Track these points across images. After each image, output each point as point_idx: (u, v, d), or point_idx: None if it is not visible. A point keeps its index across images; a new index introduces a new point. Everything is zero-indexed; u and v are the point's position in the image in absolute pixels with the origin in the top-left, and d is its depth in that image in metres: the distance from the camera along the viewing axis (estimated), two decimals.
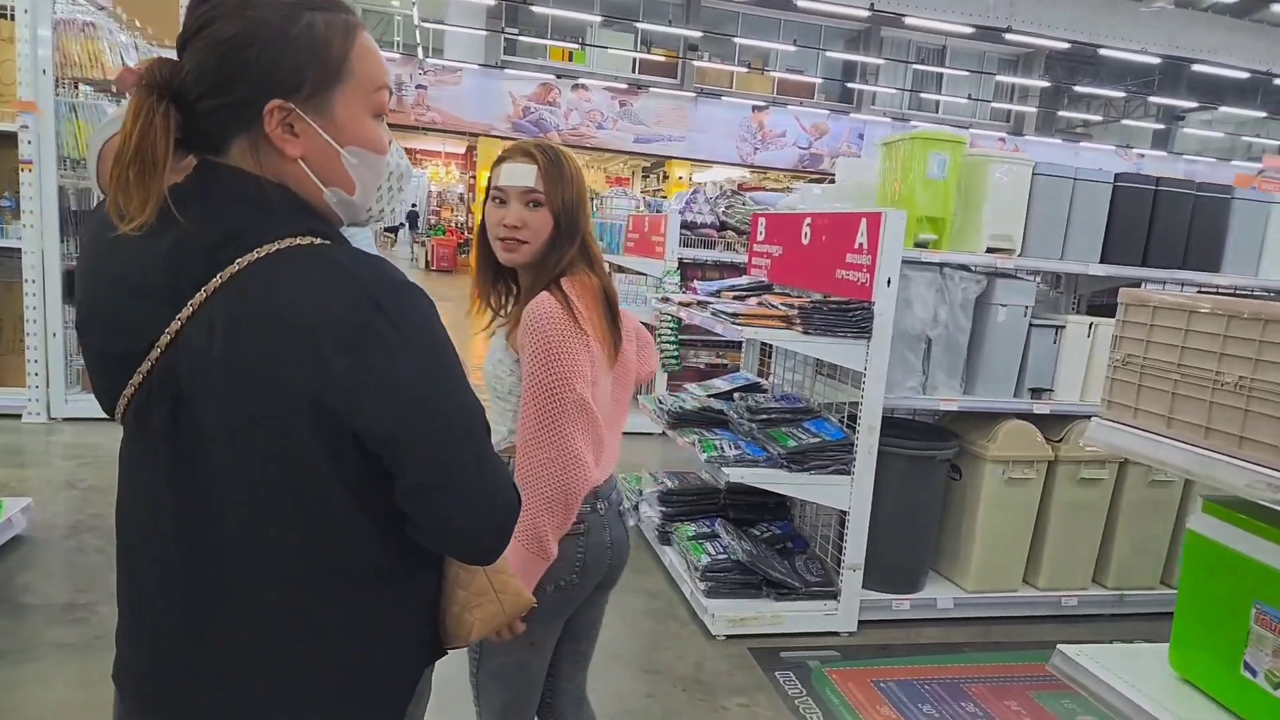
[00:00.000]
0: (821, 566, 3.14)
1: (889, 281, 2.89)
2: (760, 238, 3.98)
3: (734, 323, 2.99)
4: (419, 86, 17.17)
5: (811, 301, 3.03)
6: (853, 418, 3.03)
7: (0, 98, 4.78)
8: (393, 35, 18.79)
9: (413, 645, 0.97)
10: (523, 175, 1.47)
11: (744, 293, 3.68)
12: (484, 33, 17.65)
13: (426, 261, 19.61)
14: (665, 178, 19.43)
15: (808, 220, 3.45)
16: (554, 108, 17.92)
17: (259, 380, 0.78)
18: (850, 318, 2.90)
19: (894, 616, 3.13)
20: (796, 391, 3.61)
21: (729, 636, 2.94)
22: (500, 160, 1.51)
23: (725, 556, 3.05)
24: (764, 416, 3.17)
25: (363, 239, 1.14)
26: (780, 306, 3.11)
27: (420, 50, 17.10)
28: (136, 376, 0.83)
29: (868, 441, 2.94)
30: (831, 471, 2.94)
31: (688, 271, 5.83)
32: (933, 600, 3.16)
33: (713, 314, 3.20)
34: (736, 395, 3.50)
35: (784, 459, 2.92)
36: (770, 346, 3.71)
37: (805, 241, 3.46)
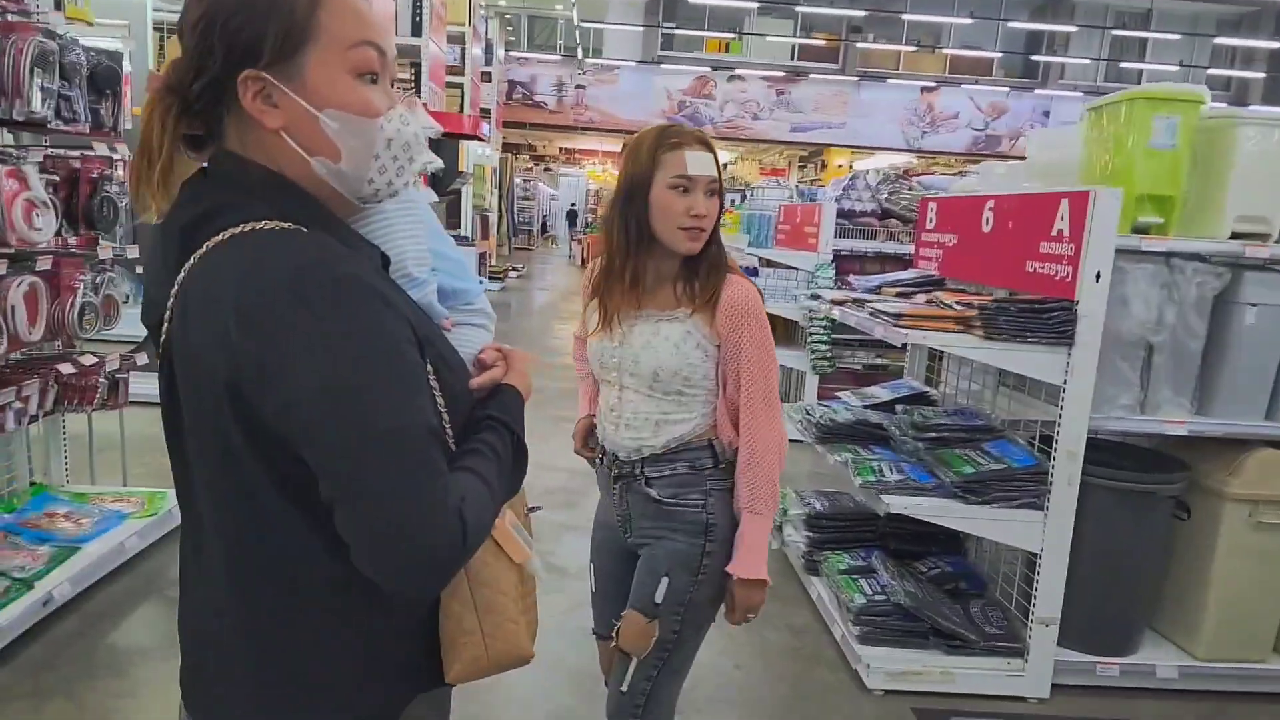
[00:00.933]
0: (1003, 616, 2.63)
1: (1098, 276, 2.34)
2: (930, 225, 3.47)
3: (897, 324, 2.55)
4: (578, 87, 17.48)
5: (996, 300, 2.53)
6: (1045, 439, 2.51)
7: None
8: (555, 38, 19.22)
9: (388, 669, 0.89)
10: (707, 165, 1.48)
11: (910, 288, 3.21)
12: (641, 29, 17.66)
13: (583, 259, 19.91)
14: (823, 166, 18.62)
15: (990, 204, 2.92)
16: (709, 100, 17.67)
17: (193, 362, 0.79)
18: (1046, 320, 2.38)
19: (1099, 683, 2.56)
20: (973, 405, 3.09)
21: (887, 692, 2.51)
22: (676, 145, 1.47)
23: (884, 598, 2.62)
24: (933, 435, 2.70)
25: (400, 219, 0.98)
26: (955, 305, 2.63)
27: (580, 51, 17.33)
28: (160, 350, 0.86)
29: (1067, 470, 2.41)
30: (1019, 505, 2.43)
31: (843, 265, 5.34)
32: (1151, 667, 2.56)
33: (871, 314, 2.77)
34: (899, 407, 3.04)
35: (958, 488, 2.45)
36: (941, 350, 3.21)
37: (986, 229, 2.94)
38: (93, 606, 2.75)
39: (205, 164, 0.87)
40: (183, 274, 0.81)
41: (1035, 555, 2.47)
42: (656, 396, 1.53)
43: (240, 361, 0.74)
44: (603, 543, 1.72)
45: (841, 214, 5.34)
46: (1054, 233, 2.48)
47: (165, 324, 0.83)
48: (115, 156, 3.02)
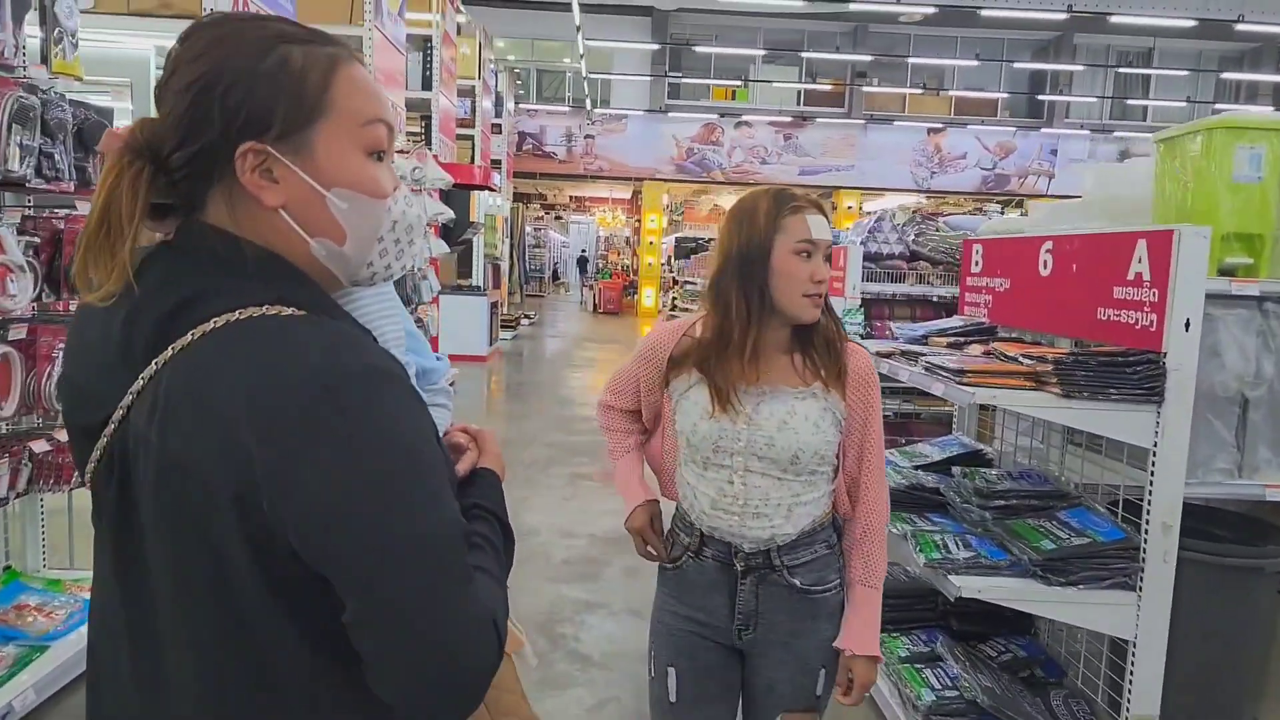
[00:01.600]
0: (1090, 710, 2.31)
1: (1188, 324, 2.09)
2: (976, 269, 3.22)
3: (960, 382, 2.28)
4: (587, 136, 17.59)
5: (1072, 353, 2.27)
6: (1129, 505, 2.22)
7: None
8: (564, 90, 19.42)
9: None
10: (826, 229, 1.43)
11: (960, 338, 2.95)
12: (648, 79, 17.82)
13: (594, 305, 19.82)
14: (833, 208, 18.57)
15: (1047, 245, 2.68)
16: (717, 147, 17.73)
17: (180, 468, 0.69)
18: (1131, 374, 2.12)
19: None
20: (1037, 464, 2.80)
21: None
22: (797, 209, 1.42)
23: (956, 694, 2.31)
24: (1000, 502, 2.41)
25: (376, 300, 0.93)
26: (1021, 359, 2.37)
27: (589, 102, 17.48)
28: (96, 451, 0.76)
29: (1162, 545, 2.12)
30: (1109, 586, 2.14)
31: (872, 309, 5.11)
32: None
33: (926, 369, 2.51)
34: (955, 469, 2.76)
35: (1038, 566, 2.16)
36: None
37: (1045, 272, 2.69)
38: (59, 715, 2.45)
39: (171, 238, 0.77)
40: (155, 366, 0.71)
41: (1126, 642, 2.16)
42: (789, 479, 1.45)
43: (255, 471, 0.66)
44: (690, 643, 1.54)
45: (867, 257, 5.14)
46: (1131, 276, 2.23)
47: (115, 422, 0.73)
48: None
